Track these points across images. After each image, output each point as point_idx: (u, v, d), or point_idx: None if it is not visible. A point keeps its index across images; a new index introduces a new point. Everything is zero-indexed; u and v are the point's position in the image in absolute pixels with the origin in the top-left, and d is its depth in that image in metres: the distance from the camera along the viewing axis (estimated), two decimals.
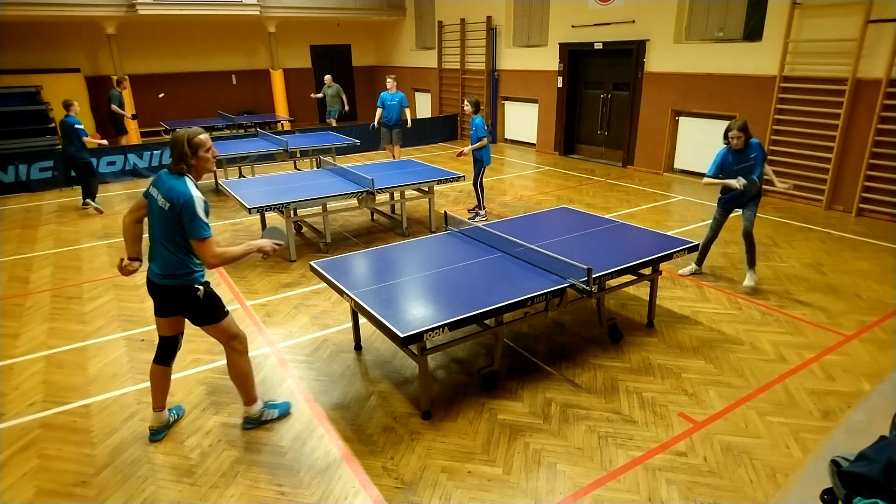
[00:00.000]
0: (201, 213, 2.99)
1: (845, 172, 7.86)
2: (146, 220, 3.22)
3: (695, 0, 9.51)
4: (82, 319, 5.12)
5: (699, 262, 5.84)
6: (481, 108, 7.72)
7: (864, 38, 7.33)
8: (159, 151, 10.99)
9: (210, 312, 3.25)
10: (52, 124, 12.17)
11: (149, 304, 5.29)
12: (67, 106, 8.30)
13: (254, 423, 3.57)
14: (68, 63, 13.79)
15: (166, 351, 3.42)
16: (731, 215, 5.56)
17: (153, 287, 3.21)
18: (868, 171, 7.59)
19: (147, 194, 3.16)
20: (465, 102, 7.68)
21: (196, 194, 3.00)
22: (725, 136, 5.19)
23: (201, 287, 3.17)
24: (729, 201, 5.47)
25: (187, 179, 3.06)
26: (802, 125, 8.20)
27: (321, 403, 3.82)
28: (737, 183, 5.07)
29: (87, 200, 8.68)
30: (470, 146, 7.65)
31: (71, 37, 13.73)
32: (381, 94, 9.89)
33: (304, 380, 4.10)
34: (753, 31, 8.79)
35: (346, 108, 13.28)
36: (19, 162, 9.81)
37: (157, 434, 3.49)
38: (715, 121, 9.40)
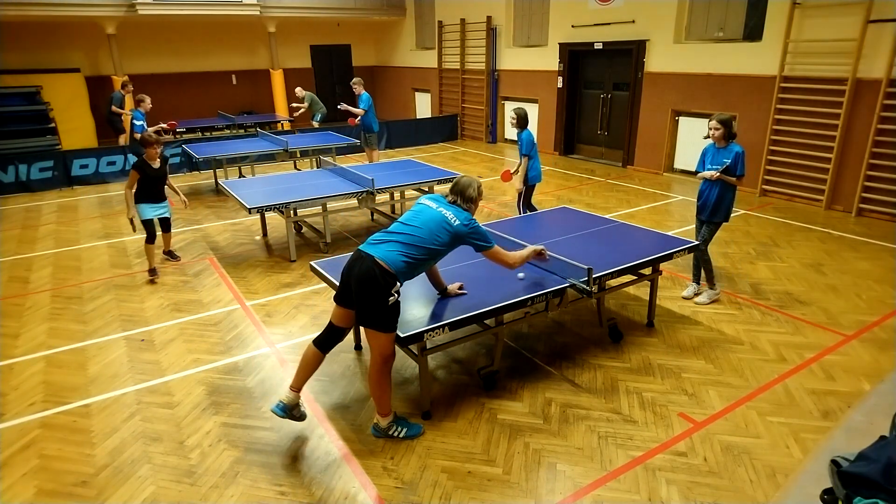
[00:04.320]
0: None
1: (845, 172, 7.85)
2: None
3: (695, 0, 9.52)
4: (82, 319, 5.12)
5: (696, 280, 5.28)
6: (528, 122, 6.44)
7: (864, 38, 7.32)
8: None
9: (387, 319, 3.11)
10: (52, 124, 12.16)
11: (148, 304, 5.35)
12: (137, 102, 8.70)
13: (381, 433, 3.43)
14: (68, 63, 13.78)
15: (330, 338, 3.34)
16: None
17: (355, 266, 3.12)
18: (868, 171, 7.58)
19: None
20: (513, 114, 6.40)
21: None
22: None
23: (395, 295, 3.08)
24: (698, 210, 5.09)
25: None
26: (802, 125, 8.19)
27: (321, 403, 3.82)
28: (707, 173, 4.85)
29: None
30: (518, 168, 6.45)
31: (71, 37, 13.73)
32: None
33: None
34: (753, 31, 8.79)
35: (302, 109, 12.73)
36: (19, 162, 9.81)
37: (279, 408, 3.30)
38: None
